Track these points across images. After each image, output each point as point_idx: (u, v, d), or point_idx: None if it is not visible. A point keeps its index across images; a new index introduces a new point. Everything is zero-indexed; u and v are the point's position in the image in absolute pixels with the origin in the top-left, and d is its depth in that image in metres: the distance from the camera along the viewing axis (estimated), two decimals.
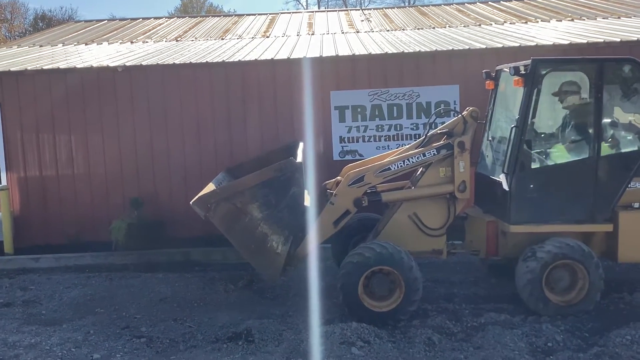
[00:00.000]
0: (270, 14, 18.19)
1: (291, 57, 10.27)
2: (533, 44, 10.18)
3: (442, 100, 9.96)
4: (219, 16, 19.08)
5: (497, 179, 6.84)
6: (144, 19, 17.93)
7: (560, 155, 6.90)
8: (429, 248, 7.01)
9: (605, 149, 6.67)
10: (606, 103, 6.73)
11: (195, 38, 14.26)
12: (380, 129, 10.05)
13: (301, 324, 6.30)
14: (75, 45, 13.71)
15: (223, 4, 57.28)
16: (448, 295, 7.24)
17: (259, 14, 18.09)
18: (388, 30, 14.08)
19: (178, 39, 14.16)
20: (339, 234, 7.14)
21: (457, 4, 17.93)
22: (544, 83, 6.65)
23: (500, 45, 10.19)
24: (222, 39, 14.03)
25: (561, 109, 7.00)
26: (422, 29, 14.05)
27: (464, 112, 7.05)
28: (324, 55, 10.32)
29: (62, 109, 10.11)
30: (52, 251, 9.63)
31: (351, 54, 10.29)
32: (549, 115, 7.20)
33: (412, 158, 6.93)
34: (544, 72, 6.60)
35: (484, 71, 7.46)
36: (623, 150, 6.81)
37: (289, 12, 20.05)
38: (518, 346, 5.64)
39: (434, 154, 6.87)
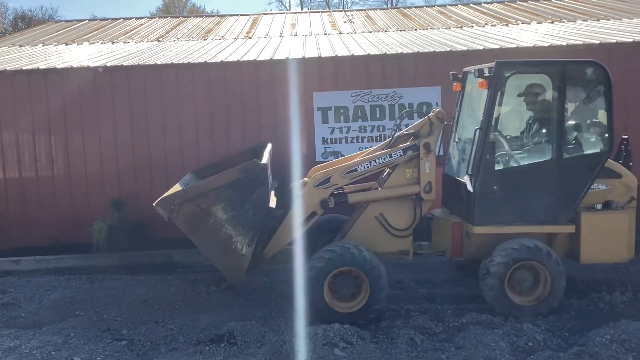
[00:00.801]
0: (253, 14, 18.16)
1: (274, 58, 10.26)
2: (514, 46, 10.27)
3: (424, 102, 10.00)
4: (201, 17, 19.01)
5: (462, 180, 6.89)
6: (125, 19, 17.79)
7: (524, 156, 6.95)
8: (396, 249, 7.04)
9: (568, 150, 6.71)
10: (569, 105, 6.77)
11: (177, 38, 14.18)
12: (363, 130, 10.07)
13: (284, 326, 6.28)
14: (55, 45, 13.56)
15: (205, 4, 57.01)
16: (430, 296, 7.28)
17: (241, 15, 18.05)
18: (371, 32, 14.12)
19: (160, 40, 14.08)
20: (307, 236, 7.13)
21: (439, 6, 18.05)
22: (508, 85, 6.71)
23: (482, 47, 10.27)
24: (205, 39, 13.97)
25: (525, 111, 7.09)
26: (404, 30, 14.11)
27: (430, 114, 7.08)
28: (306, 56, 10.32)
29: (42, 110, 10.00)
30: (33, 253, 9.50)
31: (334, 55, 10.31)
32: (514, 117, 7.29)
33: (378, 159, 6.97)
34: (507, 75, 6.67)
35: (450, 73, 7.49)
36: (586, 152, 6.84)
37: (272, 13, 20.02)
38: (499, 346, 5.68)
39: (400, 155, 6.93)
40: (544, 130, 6.86)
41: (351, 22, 15.90)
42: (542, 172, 6.71)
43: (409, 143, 6.99)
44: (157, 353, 5.82)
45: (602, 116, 6.82)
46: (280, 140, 9.63)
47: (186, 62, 10.23)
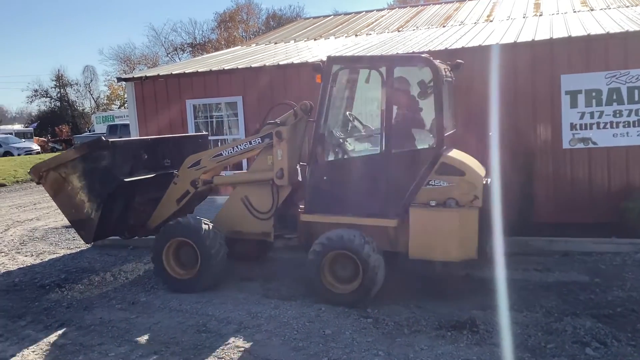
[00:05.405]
0: None
1: (518, 41, 9.83)
2: None
3: None
4: (440, 3, 18.90)
5: None
6: (366, 12, 18.51)
7: (355, 149, 7.27)
8: (259, 230, 7.68)
9: (396, 145, 6.73)
10: (402, 101, 6.97)
11: (417, 27, 14.36)
12: (618, 115, 9.19)
13: (528, 319, 6.08)
14: (305, 41, 14.65)
15: None
16: None
17: None
18: (627, 7, 12.82)
19: (400, 30, 14.39)
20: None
21: None
22: (338, 79, 6.98)
23: None
24: (444, 26, 13.94)
25: (361, 105, 7.60)
26: None
27: (296, 106, 7.45)
28: (554, 36, 9.70)
29: (293, 100, 10.85)
30: None
31: (585, 34, 9.54)
32: (349, 110, 7.52)
33: (240, 145, 7.69)
34: (336, 70, 6.88)
35: (318, 61, 7.38)
36: (414, 148, 7.00)
37: None
38: None
39: (259, 143, 7.55)
40: (375, 125, 7.05)
41: None
42: (371, 166, 6.87)
43: (266, 132, 7.44)
44: (401, 333, 6.00)
45: (433, 113, 6.65)
46: (523, 126, 9.26)
47: (426, 49, 10.30)
